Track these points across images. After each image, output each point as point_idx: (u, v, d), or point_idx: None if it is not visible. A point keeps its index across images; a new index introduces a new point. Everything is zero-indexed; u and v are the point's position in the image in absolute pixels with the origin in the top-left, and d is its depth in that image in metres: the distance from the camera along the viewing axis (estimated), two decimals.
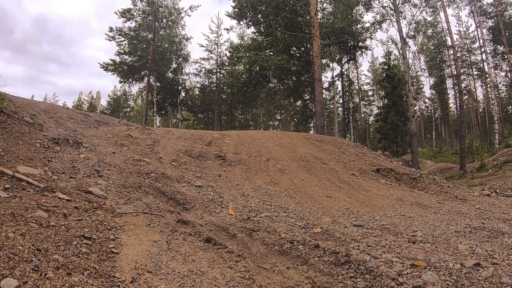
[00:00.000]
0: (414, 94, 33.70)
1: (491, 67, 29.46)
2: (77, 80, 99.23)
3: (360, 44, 23.75)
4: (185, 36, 30.18)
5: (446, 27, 19.22)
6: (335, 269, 2.49)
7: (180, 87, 30.84)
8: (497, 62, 29.63)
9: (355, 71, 38.87)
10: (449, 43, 24.06)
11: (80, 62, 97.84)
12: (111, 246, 2.36)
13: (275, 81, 23.32)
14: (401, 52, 19.01)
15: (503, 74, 30.56)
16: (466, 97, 38.66)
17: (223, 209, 3.91)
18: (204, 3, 75.79)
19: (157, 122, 38.62)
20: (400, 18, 19.17)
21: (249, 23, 21.30)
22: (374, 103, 50.32)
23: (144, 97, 28.83)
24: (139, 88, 30.01)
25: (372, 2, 20.51)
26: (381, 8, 20.53)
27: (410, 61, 21.01)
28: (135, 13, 26.81)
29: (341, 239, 3.09)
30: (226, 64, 32.88)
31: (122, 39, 26.95)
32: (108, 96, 58.02)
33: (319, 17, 18.85)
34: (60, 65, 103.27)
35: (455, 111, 38.44)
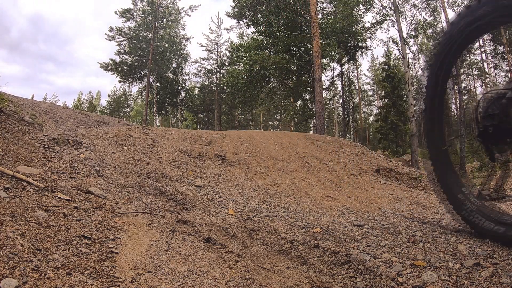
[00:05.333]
0: (414, 94, 33.71)
1: (491, 67, 29.48)
2: (74, 79, 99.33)
3: (360, 44, 23.77)
4: (185, 36, 30.25)
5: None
6: (335, 269, 2.49)
7: (180, 87, 30.88)
8: (497, 62, 29.65)
9: (355, 71, 38.93)
10: None
11: (77, 61, 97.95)
12: (111, 246, 2.36)
13: (275, 81, 23.33)
14: (401, 52, 19.02)
15: (503, 74, 30.60)
16: (466, 97, 38.67)
17: (223, 209, 3.91)
18: (202, 1, 75.64)
19: (157, 122, 38.63)
20: (400, 18, 19.18)
21: (249, 23, 21.32)
22: (374, 103, 50.40)
23: (144, 97, 28.85)
24: (139, 88, 30.07)
25: (372, 2, 20.53)
26: (381, 8, 20.56)
27: (410, 61, 20.98)
28: (135, 13, 26.86)
29: (341, 239, 3.10)
30: (226, 64, 32.90)
31: (122, 39, 27.02)
32: (108, 96, 58.15)
33: (319, 17, 18.85)
34: (56, 64, 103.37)
35: (455, 111, 38.45)
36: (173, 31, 28.48)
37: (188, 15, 29.10)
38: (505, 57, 26.19)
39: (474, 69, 34.69)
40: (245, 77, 20.50)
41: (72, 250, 2.08)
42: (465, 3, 26.50)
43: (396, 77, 29.03)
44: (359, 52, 25.65)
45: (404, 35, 18.86)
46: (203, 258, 2.50)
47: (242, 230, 3.19)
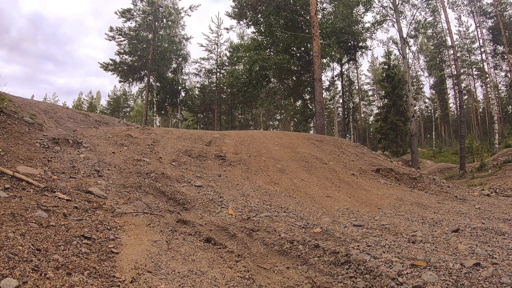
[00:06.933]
0: (414, 94, 33.71)
1: (491, 67, 29.47)
2: (74, 79, 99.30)
3: (360, 44, 23.76)
4: (185, 36, 30.22)
5: (446, 27, 19.22)
6: (335, 269, 2.49)
7: (180, 87, 30.85)
8: (497, 62, 29.65)
9: (355, 71, 38.90)
10: (449, 43, 24.10)
11: (76, 61, 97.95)
12: (111, 246, 2.36)
13: (275, 81, 23.32)
14: (401, 52, 19.02)
15: (503, 74, 30.60)
16: (466, 97, 38.67)
17: (223, 209, 3.91)
18: (202, 1, 75.43)
19: (157, 122, 38.62)
20: (400, 18, 19.17)
21: (249, 23, 21.29)
22: (374, 103, 50.37)
23: (144, 97, 28.82)
24: (139, 88, 30.00)
25: (371, 2, 20.51)
26: (381, 8, 20.54)
27: (410, 61, 20.98)
28: (135, 13, 26.81)
29: (341, 239, 3.10)
30: (226, 64, 32.89)
31: (122, 39, 26.95)
32: (108, 96, 58.18)
33: (319, 17, 18.85)
34: (56, 64, 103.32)
35: (455, 111, 38.50)
36: (173, 31, 28.45)
37: (188, 15, 29.12)
38: (505, 57, 26.18)
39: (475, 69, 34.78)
40: (245, 77, 20.47)
41: (72, 250, 2.08)
42: (465, 2, 26.52)
43: (396, 77, 29.06)
44: (359, 52, 25.66)
45: (404, 35, 18.85)
46: (203, 258, 2.50)
47: (242, 230, 3.19)
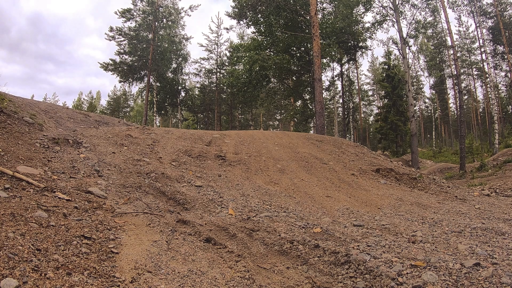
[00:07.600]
0: (414, 94, 33.73)
1: (491, 67, 29.46)
2: (74, 79, 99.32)
3: (360, 44, 23.76)
4: (185, 36, 30.22)
5: (446, 27, 19.21)
6: (335, 269, 2.49)
7: (180, 87, 30.85)
8: (497, 62, 29.65)
9: (355, 71, 38.88)
10: (449, 43, 24.09)
11: (76, 61, 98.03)
12: (111, 246, 2.36)
13: (275, 81, 23.32)
14: (401, 52, 19.01)
15: (503, 74, 30.60)
16: (466, 97, 38.67)
17: (223, 209, 3.92)
18: (202, 2, 75.41)
19: (157, 122, 38.61)
20: (400, 18, 19.16)
21: (249, 23, 21.29)
22: (374, 103, 50.36)
23: (144, 97, 28.81)
24: (139, 88, 30.00)
25: (371, 2, 20.51)
26: (381, 8, 20.53)
27: (410, 61, 20.98)
28: (135, 13, 26.81)
29: (341, 239, 3.10)
30: (226, 64, 32.90)
31: (122, 39, 26.95)
32: (108, 96, 58.24)
33: (319, 17, 18.86)
34: (56, 64, 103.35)
35: (455, 111, 38.51)
36: (173, 31, 28.43)
37: (188, 15, 29.11)
38: (505, 57, 26.16)
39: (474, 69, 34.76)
40: (245, 77, 20.47)
41: (72, 250, 2.08)
42: (465, 2, 26.52)
43: (396, 77, 29.10)
44: (359, 52, 25.66)
45: (404, 35, 18.84)
46: (203, 258, 2.50)
47: (242, 230, 3.19)
